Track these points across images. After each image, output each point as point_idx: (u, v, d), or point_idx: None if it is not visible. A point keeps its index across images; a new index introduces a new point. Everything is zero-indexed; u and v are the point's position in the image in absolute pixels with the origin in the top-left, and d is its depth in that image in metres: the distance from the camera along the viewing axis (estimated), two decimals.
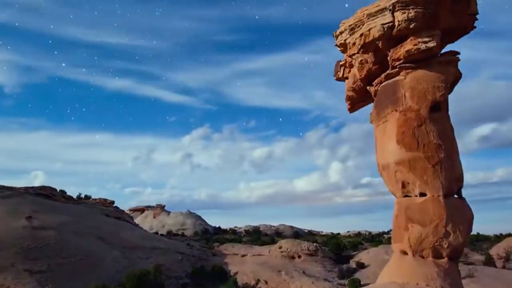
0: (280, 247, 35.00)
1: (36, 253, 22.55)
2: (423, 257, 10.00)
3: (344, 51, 12.90)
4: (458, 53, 10.74)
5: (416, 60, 10.56)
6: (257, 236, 60.64)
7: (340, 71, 13.62)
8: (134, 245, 31.07)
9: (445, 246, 9.72)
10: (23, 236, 23.53)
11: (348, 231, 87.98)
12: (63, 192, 38.99)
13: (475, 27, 10.88)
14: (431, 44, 9.98)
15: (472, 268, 25.78)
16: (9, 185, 32.31)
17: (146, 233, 40.78)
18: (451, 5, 10.38)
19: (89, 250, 25.78)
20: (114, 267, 25.56)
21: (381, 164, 11.26)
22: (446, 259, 9.83)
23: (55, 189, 37.56)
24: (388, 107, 11.21)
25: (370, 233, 79.78)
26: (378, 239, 57.68)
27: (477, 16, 10.80)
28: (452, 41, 11.46)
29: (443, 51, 11.09)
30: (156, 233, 52.79)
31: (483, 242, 47.28)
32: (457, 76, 10.66)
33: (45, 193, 35.04)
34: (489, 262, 31.01)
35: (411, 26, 10.12)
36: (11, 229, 23.92)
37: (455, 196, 10.40)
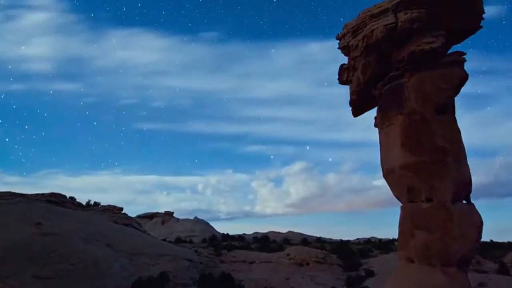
0: (288, 254, 34.58)
1: (44, 259, 22.67)
2: (430, 265, 9.59)
3: (347, 54, 12.69)
4: (464, 54, 10.44)
5: (421, 62, 10.27)
6: (265, 243, 60.08)
7: (343, 75, 13.39)
8: (141, 251, 31.02)
9: (453, 253, 9.32)
10: (32, 242, 23.70)
11: (357, 238, 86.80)
12: (72, 198, 39.34)
13: (481, 26, 10.58)
14: (435, 45, 9.72)
15: (485, 276, 24.98)
16: (20, 192, 32.75)
17: (154, 239, 40.77)
18: (456, 5, 10.12)
19: (96, 256, 25.82)
20: (122, 273, 25.52)
21: (385, 168, 10.96)
22: (454, 267, 9.42)
23: (64, 196, 37.94)
24: (392, 110, 10.94)
25: (380, 240, 78.43)
26: (388, 246, 56.57)
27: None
28: (459, 42, 11.15)
29: (449, 52, 10.83)
30: (165, 240, 52.79)
31: (497, 249, 45.99)
32: (463, 77, 10.29)
33: (55, 200, 35.41)
34: (503, 270, 30.07)
35: (414, 27, 9.89)
36: (21, 235, 24.13)
37: (463, 201, 10.04)
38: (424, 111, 10.15)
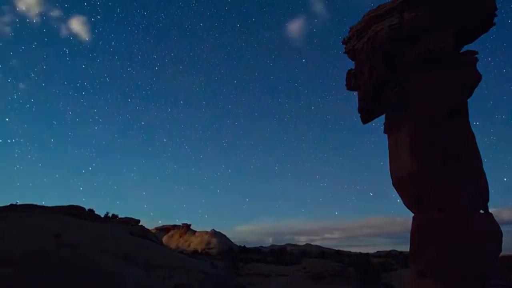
0: (305, 267, 33.53)
1: (61, 271, 22.87)
2: (444, 280, 8.84)
3: (353, 59, 12.25)
4: (477, 53, 9.83)
5: (429, 62, 9.74)
6: (282, 256, 58.92)
7: (351, 80, 12.88)
8: (157, 264, 30.91)
9: (469, 268, 8.57)
10: (50, 254, 24.02)
11: (377, 251, 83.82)
12: (91, 211, 39.98)
13: (494, 24, 9.94)
14: (443, 44, 9.19)
15: None
16: (41, 204, 33.63)
17: (170, 252, 40.72)
18: (466, 2, 9.55)
19: (112, 268, 25.86)
20: (136, 286, 25.44)
21: (394, 176, 10.33)
22: (471, 282, 8.64)
23: (83, 208, 38.66)
24: (400, 115, 10.38)
25: (401, 253, 75.37)
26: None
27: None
28: (470, 41, 10.53)
29: (459, 52, 10.23)
30: (181, 252, 52.73)
31: None
32: (476, 78, 9.68)
33: (74, 212, 36.12)
34: None
35: (420, 26, 9.40)
36: (39, 247, 24.51)
37: (480, 211, 9.27)
38: (434, 115, 9.55)
